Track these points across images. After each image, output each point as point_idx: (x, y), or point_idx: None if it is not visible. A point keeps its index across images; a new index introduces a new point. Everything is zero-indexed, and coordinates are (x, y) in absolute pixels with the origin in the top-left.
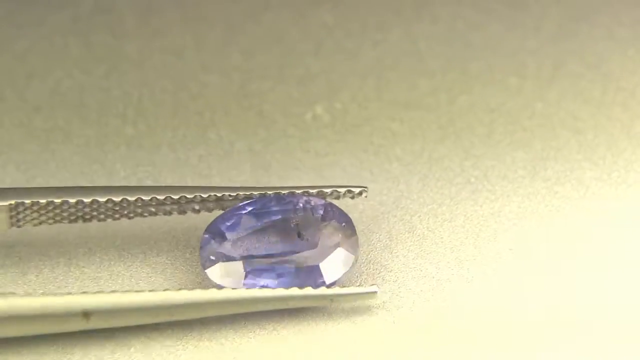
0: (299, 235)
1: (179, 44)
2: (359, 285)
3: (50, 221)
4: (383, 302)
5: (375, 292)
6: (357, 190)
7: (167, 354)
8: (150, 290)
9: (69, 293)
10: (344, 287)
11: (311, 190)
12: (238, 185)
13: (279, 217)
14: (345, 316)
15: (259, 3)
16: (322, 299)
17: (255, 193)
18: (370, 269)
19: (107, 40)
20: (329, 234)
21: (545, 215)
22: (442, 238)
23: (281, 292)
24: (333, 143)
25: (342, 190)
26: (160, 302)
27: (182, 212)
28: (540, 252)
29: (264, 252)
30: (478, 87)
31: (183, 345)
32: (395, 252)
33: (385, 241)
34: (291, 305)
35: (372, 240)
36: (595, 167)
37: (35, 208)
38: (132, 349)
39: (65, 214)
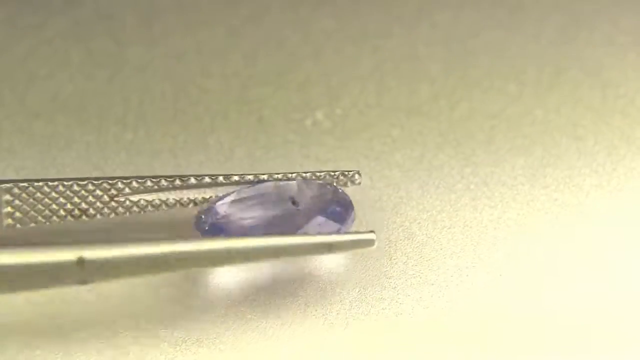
0: (293, 202)
1: (179, 49)
2: (356, 232)
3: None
4: (382, 308)
5: (373, 239)
6: (350, 173)
7: None
8: (147, 240)
9: (64, 242)
10: (342, 233)
11: (304, 174)
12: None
13: (272, 189)
14: (344, 322)
15: (260, 8)
16: (321, 247)
17: (250, 177)
18: (368, 275)
19: (107, 45)
20: (324, 202)
21: (545, 222)
22: (441, 245)
23: (279, 240)
24: (333, 149)
25: (336, 173)
26: (158, 251)
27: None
28: (539, 259)
29: (256, 214)
30: (478, 93)
31: (182, 352)
32: (395, 259)
33: (385, 248)
34: (289, 253)
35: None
36: (595, 174)
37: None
38: (131, 355)
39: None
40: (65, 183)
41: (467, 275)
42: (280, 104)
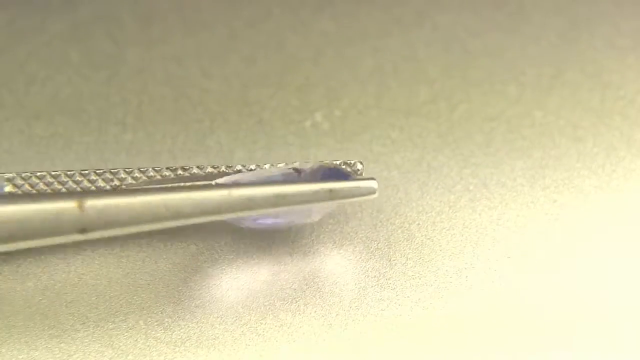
0: (296, 170)
1: (179, 51)
2: (357, 179)
3: None
4: (381, 309)
5: (374, 187)
6: (352, 162)
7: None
8: (147, 188)
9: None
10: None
11: (306, 165)
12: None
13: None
14: (343, 323)
15: (260, 11)
16: (321, 194)
17: (252, 167)
18: (368, 276)
19: (107, 47)
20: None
21: (544, 223)
22: (440, 246)
23: (280, 188)
24: (333, 151)
25: (338, 162)
26: (157, 200)
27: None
28: (538, 260)
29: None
30: (477, 95)
31: (181, 353)
32: (394, 260)
33: (384, 249)
34: (291, 201)
35: (371, 248)
36: (595, 176)
37: None
38: (130, 356)
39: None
40: (68, 172)
41: (466, 277)
42: (279, 105)
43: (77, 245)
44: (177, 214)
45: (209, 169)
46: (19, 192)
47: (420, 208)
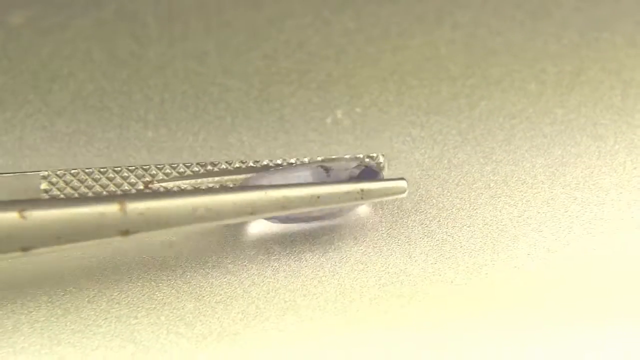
0: (325, 168)
1: (200, 49)
2: (387, 179)
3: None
4: (401, 306)
5: (404, 186)
6: (374, 156)
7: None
8: (185, 190)
9: (107, 194)
10: (373, 181)
11: (330, 159)
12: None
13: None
14: (364, 319)
15: (281, 9)
16: (353, 195)
17: (279, 161)
18: (388, 272)
19: (129, 45)
20: (352, 168)
21: (564, 220)
22: (461, 243)
23: (312, 189)
24: (353, 147)
25: (361, 157)
26: (196, 202)
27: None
28: (559, 257)
29: (289, 178)
30: (498, 93)
31: (202, 348)
32: (414, 257)
33: (405, 245)
34: (323, 202)
35: (392, 244)
36: (615, 173)
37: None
38: (151, 351)
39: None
40: (101, 169)
41: (487, 274)
42: (300, 102)
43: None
44: (217, 215)
45: (237, 164)
46: (55, 189)
47: (441, 205)
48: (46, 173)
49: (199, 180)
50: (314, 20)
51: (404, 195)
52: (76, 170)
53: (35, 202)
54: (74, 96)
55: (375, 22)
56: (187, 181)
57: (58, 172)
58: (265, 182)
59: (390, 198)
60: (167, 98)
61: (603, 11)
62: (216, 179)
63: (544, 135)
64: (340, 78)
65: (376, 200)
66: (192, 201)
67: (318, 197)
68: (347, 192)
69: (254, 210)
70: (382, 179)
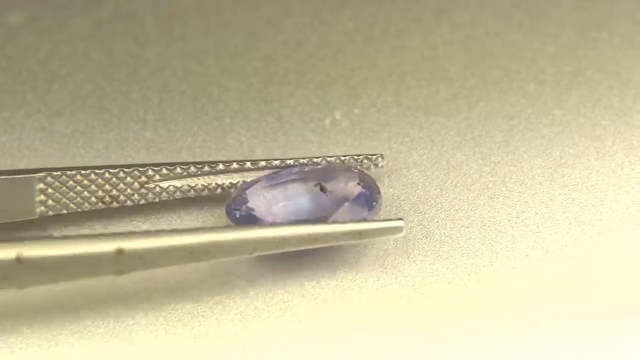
0: (321, 189)
1: (199, 49)
2: (385, 220)
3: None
4: (400, 306)
5: (401, 226)
6: (374, 157)
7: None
8: (183, 230)
9: (103, 234)
10: (372, 221)
11: (329, 159)
12: (259, 157)
13: (300, 175)
14: (361, 319)
15: (280, 9)
16: (351, 235)
17: (276, 162)
18: (386, 273)
19: (127, 45)
20: (351, 187)
21: (563, 221)
22: (459, 244)
23: (310, 228)
24: (351, 148)
25: (360, 157)
26: (193, 242)
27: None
28: (556, 258)
29: (285, 202)
30: (497, 93)
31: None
32: (412, 258)
33: (402, 246)
34: (320, 241)
35: (389, 245)
36: (613, 174)
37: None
38: (150, 352)
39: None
40: (97, 171)
41: (485, 274)
42: (299, 103)
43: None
44: (213, 255)
45: (235, 165)
46: (50, 190)
47: (439, 206)
48: (42, 175)
49: (194, 180)
50: (312, 20)
51: (402, 234)
52: (72, 172)
53: (32, 244)
54: (72, 96)
55: (373, 22)
56: (183, 181)
57: (54, 174)
58: (256, 196)
59: (388, 237)
60: (165, 98)
61: (601, 11)
62: (212, 177)
63: (542, 136)
64: (339, 79)
65: (374, 238)
66: (189, 242)
67: (315, 237)
68: (345, 233)
69: (249, 250)
70: (380, 220)
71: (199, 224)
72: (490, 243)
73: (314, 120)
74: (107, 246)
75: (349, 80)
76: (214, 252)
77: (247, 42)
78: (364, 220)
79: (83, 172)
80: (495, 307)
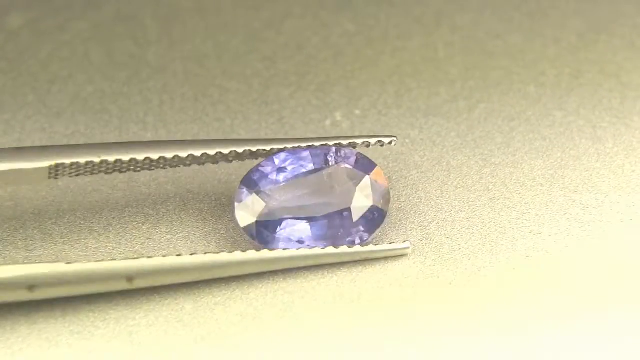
0: (332, 187)
1: (199, 51)
2: (390, 243)
3: (87, 174)
4: (400, 308)
5: (408, 247)
6: (387, 140)
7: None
8: (191, 254)
9: (113, 259)
10: (376, 244)
11: (343, 142)
12: (271, 137)
13: (311, 168)
14: (361, 322)
15: (280, 11)
16: (355, 256)
17: (289, 146)
18: (387, 275)
19: (128, 47)
20: (361, 187)
21: (563, 223)
22: (459, 245)
23: (315, 251)
24: None
25: (373, 140)
26: (200, 264)
27: (215, 162)
28: (557, 260)
29: (297, 204)
30: (497, 95)
31: (200, 350)
32: (413, 259)
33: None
34: (326, 262)
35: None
36: (614, 176)
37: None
38: (150, 353)
39: (102, 169)
40: (109, 159)
41: (485, 276)
42: (299, 104)
43: (98, 244)
44: (221, 272)
45: (246, 149)
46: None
47: (440, 207)
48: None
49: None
50: (313, 22)
51: (407, 254)
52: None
53: (44, 279)
54: (73, 98)
55: (374, 24)
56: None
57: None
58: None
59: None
60: (166, 100)
61: (602, 14)
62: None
63: (543, 138)
64: (339, 80)
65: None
66: (195, 261)
67: (321, 257)
68: (350, 254)
69: (252, 268)
70: (387, 244)
71: (199, 226)
72: (490, 244)
73: (314, 122)
74: (117, 274)
75: (349, 82)
76: (219, 272)
77: (247, 43)
78: (369, 244)
79: (95, 160)
80: (496, 307)
